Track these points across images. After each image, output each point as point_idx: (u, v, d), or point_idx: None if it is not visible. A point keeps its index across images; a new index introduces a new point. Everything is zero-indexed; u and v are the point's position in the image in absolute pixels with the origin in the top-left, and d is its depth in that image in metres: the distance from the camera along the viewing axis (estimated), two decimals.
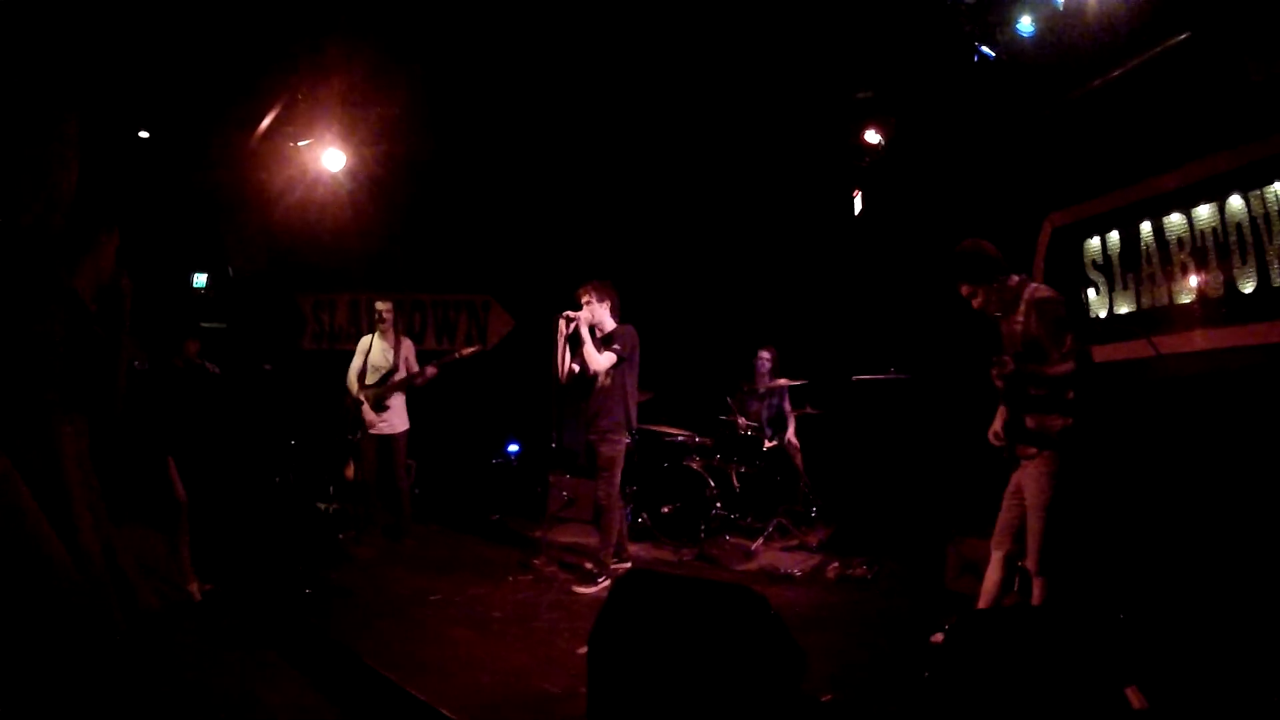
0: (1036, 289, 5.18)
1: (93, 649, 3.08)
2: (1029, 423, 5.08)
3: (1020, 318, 5.14)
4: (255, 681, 4.95)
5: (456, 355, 8.99)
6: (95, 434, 4.01)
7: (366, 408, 8.86)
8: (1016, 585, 5.37)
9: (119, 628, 3.49)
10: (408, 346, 9.24)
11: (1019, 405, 5.14)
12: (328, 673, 5.23)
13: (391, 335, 9.15)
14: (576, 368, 7.76)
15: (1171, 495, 6.02)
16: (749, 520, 9.57)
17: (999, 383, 5.19)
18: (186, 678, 4.94)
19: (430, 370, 8.98)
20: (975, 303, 5.34)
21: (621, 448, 7.66)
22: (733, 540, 9.28)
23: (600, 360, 7.54)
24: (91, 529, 3.24)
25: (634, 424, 7.76)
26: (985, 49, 7.61)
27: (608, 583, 7.29)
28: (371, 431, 8.86)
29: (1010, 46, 7.50)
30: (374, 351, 9.01)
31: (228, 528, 7.67)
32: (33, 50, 3.29)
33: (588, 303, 7.69)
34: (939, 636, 5.18)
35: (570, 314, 7.64)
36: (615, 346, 7.57)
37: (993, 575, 5.24)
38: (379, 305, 9.19)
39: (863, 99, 9.38)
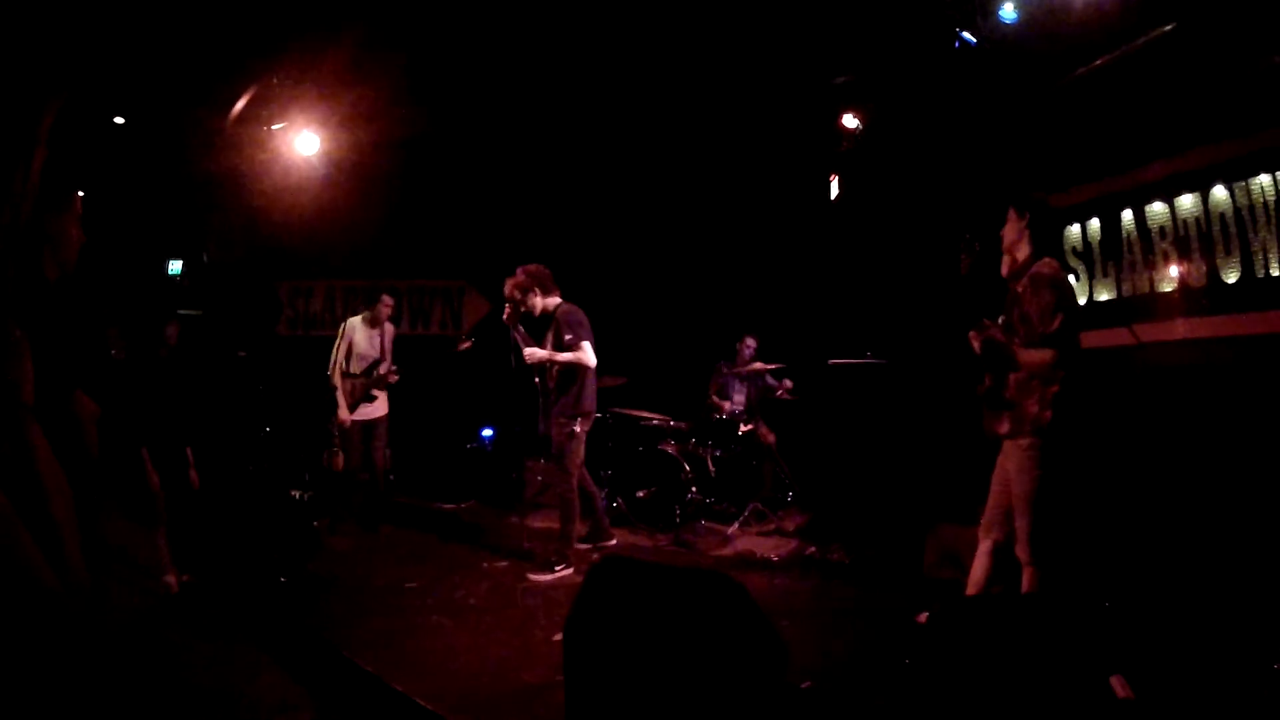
0: (1046, 262, 4.94)
1: (71, 654, 3.03)
2: (1005, 394, 4.88)
3: (1020, 287, 4.93)
4: (235, 674, 4.91)
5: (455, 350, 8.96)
6: (70, 424, 3.94)
7: (343, 407, 8.76)
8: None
9: (98, 630, 3.43)
10: (389, 333, 9.13)
11: (999, 376, 4.93)
12: (307, 665, 5.19)
13: (380, 324, 9.04)
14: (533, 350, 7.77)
15: (1153, 483, 6.02)
16: (725, 505, 9.57)
17: (975, 345, 4.95)
18: (167, 672, 4.90)
19: (392, 378, 8.92)
20: (1008, 231, 5.07)
21: (570, 431, 7.59)
22: (709, 525, 9.27)
23: (584, 355, 7.51)
24: (69, 529, 3.18)
25: (587, 406, 7.68)
26: (967, 35, 7.60)
27: (566, 571, 7.28)
28: (356, 417, 8.78)
29: (993, 33, 7.49)
30: (359, 340, 8.88)
31: (204, 517, 7.60)
32: (12, 37, 3.22)
33: (521, 301, 7.66)
34: (924, 616, 5.10)
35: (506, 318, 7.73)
36: (568, 338, 7.52)
37: (981, 564, 5.08)
38: (386, 298, 9.07)
39: (842, 84, 9.36)
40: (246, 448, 9.53)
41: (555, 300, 7.76)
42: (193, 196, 11.78)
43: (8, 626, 2.79)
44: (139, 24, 7.71)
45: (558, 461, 7.67)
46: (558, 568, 7.31)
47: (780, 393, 10.32)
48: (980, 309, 5.13)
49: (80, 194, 3.89)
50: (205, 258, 12.32)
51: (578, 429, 7.60)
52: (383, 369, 8.85)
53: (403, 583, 7.01)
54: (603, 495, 8.90)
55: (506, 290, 7.69)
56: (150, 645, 5.30)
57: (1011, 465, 4.91)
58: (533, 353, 7.61)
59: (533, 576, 7.26)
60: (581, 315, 7.66)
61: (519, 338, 7.76)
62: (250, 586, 6.69)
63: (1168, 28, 6.49)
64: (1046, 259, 4.97)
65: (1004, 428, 4.92)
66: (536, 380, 7.91)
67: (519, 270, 7.75)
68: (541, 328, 7.80)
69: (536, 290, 7.68)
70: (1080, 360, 4.76)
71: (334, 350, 8.92)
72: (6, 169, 3.10)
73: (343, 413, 8.72)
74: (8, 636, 2.78)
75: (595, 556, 7.29)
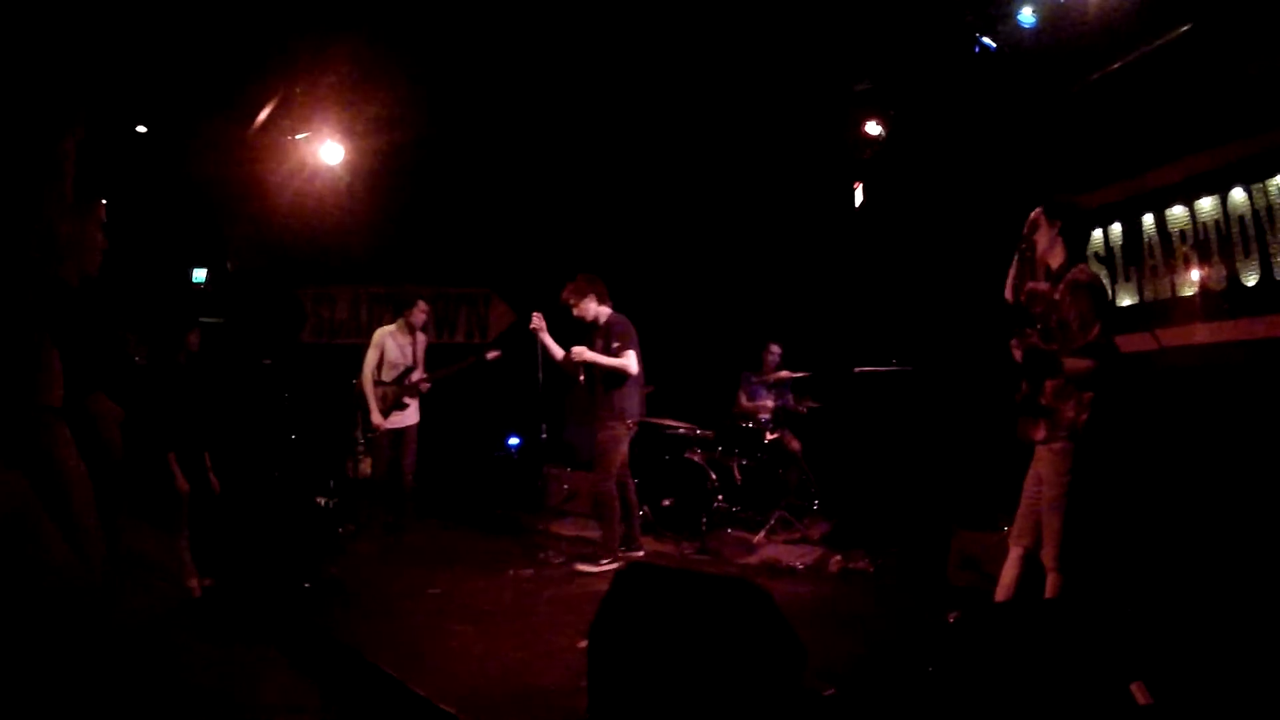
0: (1082, 268, 4.94)
1: (92, 652, 3.07)
2: (1042, 400, 4.86)
3: (1056, 295, 4.90)
4: (253, 678, 4.95)
5: (483, 357, 9.06)
6: (90, 426, 3.99)
7: (375, 412, 8.79)
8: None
9: (115, 630, 3.47)
10: (422, 341, 9.12)
11: (1035, 383, 4.91)
12: (326, 669, 5.22)
13: (413, 331, 9.05)
14: (582, 368, 7.97)
15: (1175, 488, 5.98)
16: (750, 513, 9.54)
17: (1017, 354, 4.93)
18: (184, 676, 4.93)
19: (424, 386, 8.96)
20: (1040, 239, 5.00)
21: (612, 435, 7.78)
22: (734, 533, 9.24)
23: (628, 363, 7.71)
24: (93, 530, 3.22)
25: (631, 411, 7.86)
26: (986, 40, 7.61)
27: (613, 566, 7.39)
28: (387, 425, 8.78)
29: (1011, 38, 7.49)
30: (390, 347, 8.87)
31: (228, 523, 7.65)
32: (36, 57, 3.27)
33: (575, 305, 7.92)
34: (954, 615, 5.07)
35: (535, 324, 8.01)
36: (615, 345, 7.74)
37: (1010, 572, 5.02)
38: (421, 304, 9.07)
39: (863, 91, 9.36)
40: (272, 455, 9.57)
41: (608, 310, 7.98)
42: (216, 205, 11.85)
43: (31, 619, 2.83)
44: (163, 31, 7.80)
45: (597, 461, 7.87)
46: (604, 561, 7.60)
47: (795, 406, 10.34)
48: (1005, 316, 5.12)
49: (104, 201, 3.94)
50: (229, 266, 12.37)
51: (620, 431, 7.80)
52: (415, 376, 8.88)
53: (426, 588, 7.03)
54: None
55: (565, 292, 7.95)
56: (170, 650, 5.34)
57: (1044, 470, 4.89)
58: (581, 351, 7.84)
59: (580, 567, 7.64)
60: (631, 327, 7.89)
61: (545, 347, 8.01)
62: (273, 591, 6.74)
63: (1184, 29, 6.47)
64: (1081, 265, 4.97)
65: (1040, 434, 4.90)
66: (582, 378, 8.09)
67: (580, 276, 8.02)
68: (589, 333, 7.97)
69: (593, 297, 7.95)
70: (1118, 365, 4.76)
71: (365, 358, 8.94)
72: (39, 189, 3.14)
73: (376, 417, 8.70)
74: (30, 629, 2.82)
75: (621, 563, 7.34)
